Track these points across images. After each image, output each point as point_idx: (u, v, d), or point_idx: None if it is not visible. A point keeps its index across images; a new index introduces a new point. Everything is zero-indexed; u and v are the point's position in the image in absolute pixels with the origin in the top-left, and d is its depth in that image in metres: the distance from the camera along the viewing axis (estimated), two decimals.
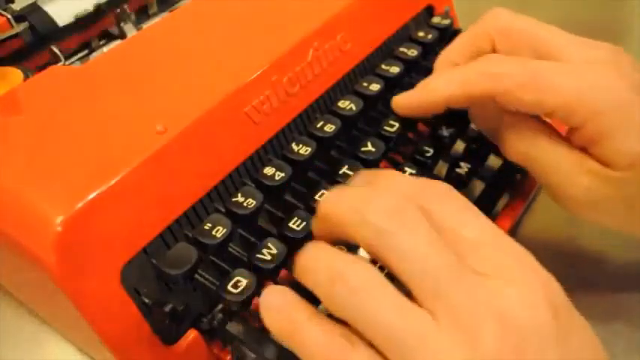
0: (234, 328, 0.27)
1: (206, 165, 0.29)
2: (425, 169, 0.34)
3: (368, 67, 0.38)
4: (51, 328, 0.36)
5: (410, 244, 0.21)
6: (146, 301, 0.27)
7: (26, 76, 0.35)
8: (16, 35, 0.36)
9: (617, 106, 0.27)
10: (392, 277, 0.21)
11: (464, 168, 0.36)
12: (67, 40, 0.39)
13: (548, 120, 0.31)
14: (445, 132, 0.36)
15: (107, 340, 0.26)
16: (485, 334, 0.19)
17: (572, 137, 0.29)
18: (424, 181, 0.24)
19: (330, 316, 0.22)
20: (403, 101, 0.33)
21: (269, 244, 0.28)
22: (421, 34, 0.41)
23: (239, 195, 0.29)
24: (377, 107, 0.38)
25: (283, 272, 0.29)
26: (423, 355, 0.19)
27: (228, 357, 0.29)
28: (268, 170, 0.31)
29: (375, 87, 0.36)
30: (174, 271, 0.26)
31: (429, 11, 0.44)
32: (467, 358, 0.19)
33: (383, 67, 0.38)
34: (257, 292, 0.24)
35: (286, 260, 0.28)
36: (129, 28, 0.40)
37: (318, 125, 0.33)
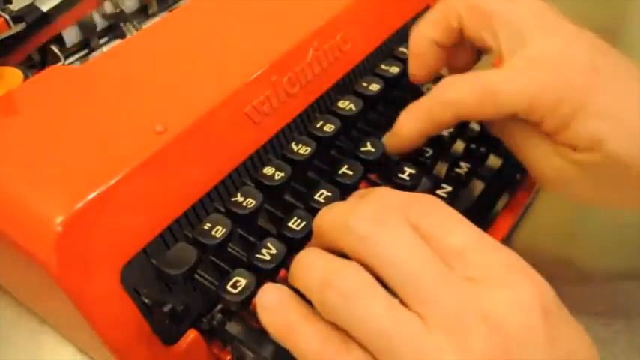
0: (233, 327, 0.27)
1: (206, 165, 0.29)
2: (425, 169, 0.34)
3: (368, 67, 0.38)
4: (51, 328, 0.36)
5: (393, 249, 0.21)
6: (146, 301, 0.27)
7: (26, 76, 0.35)
8: (14, 36, 0.36)
9: (568, 97, 0.28)
10: None
11: (464, 168, 0.36)
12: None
13: None
14: (445, 132, 0.36)
15: (107, 340, 0.26)
16: (475, 336, 0.20)
17: (539, 128, 0.30)
18: (412, 195, 0.24)
19: None
20: (388, 146, 0.34)
21: (268, 244, 0.29)
22: None
23: (239, 195, 0.29)
24: (377, 107, 0.38)
25: (282, 272, 0.29)
26: (413, 358, 0.20)
27: (228, 357, 0.29)
28: (268, 170, 0.31)
29: (375, 87, 0.36)
30: (174, 271, 0.26)
31: None
32: None
33: (383, 67, 0.38)
34: (256, 292, 0.24)
35: (285, 260, 0.28)
36: (129, 28, 0.40)
37: (318, 125, 0.33)
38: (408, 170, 0.33)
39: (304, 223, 0.29)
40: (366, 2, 0.38)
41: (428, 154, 0.35)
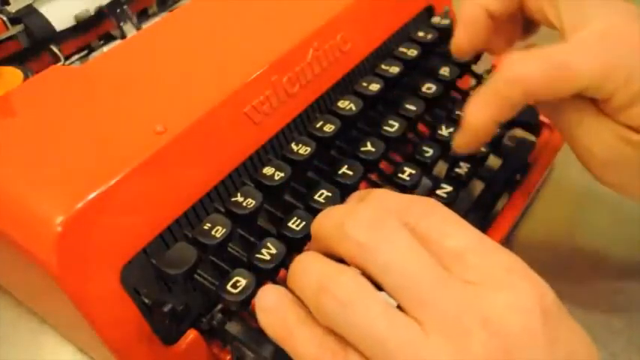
0: (233, 327, 0.27)
1: (206, 165, 0.29)
2: (425, 169, 0.34)
3: (368, 67, 0.38)
4: (51, 328, 0.36)
5: (390, 255, 0.21)
6: (146, 301, 0.27)
7: (26, 76, 0.35)
8: (12, 37, 0.36)
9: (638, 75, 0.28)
10: None
11: (464, 168, 0.36)
12: (65, 44, 0.39)
13: None
14: (445, 132, 0.36)
15: (107, 340, 0.26)
16: (474, 340, 0.19)
17: (601, 106, 0.30)
18: (410, 198, 0.24)
19: None
20: (462, 142, 0.32)
21: (268, 244, 0.29)
22: (421, 34, 0.41)
23: (239, 195, 0.29)
24: (377, 107, 0.38)
25: (282, 272, 0.29)
26: None
27: (228, 357, 0.29)
28: (268, 170, 0.31)
29: (375, 87, 0.36)
30: (174, 271, 0.26)
31: (429, 11, 0.44)
32: None
33: (383, 67, 0.38)
34: (256, 292, 0.24)
35: (285, 260, 0.28)
36: (129, 28, 0.40)
37: (318, 125, 0.33)
38: (408, 170, 0.33)
39: (304, 223, 0.29)
40: (366, 2, 0.38)
41: (428, 154, 0.35)
